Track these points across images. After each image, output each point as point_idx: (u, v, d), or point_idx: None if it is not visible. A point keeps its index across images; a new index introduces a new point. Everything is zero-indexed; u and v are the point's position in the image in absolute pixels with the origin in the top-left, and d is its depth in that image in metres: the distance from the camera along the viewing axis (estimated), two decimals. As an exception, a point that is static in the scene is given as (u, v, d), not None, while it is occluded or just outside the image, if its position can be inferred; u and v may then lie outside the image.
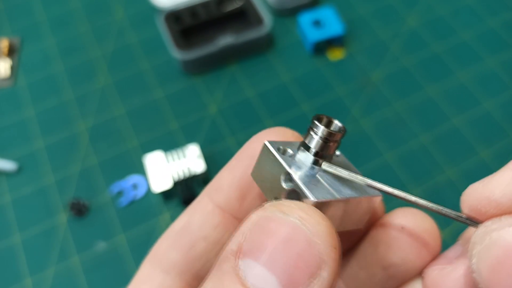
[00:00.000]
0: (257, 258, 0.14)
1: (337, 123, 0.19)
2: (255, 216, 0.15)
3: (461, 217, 0.17)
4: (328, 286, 0.14)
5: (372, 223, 0.21)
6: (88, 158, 0.49)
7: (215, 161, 0.47)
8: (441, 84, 0.52)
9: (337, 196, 0.17)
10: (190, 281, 0.21)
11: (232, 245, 0.15)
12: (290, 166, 0.17)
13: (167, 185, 0.44)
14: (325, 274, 0.14)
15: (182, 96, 0.52)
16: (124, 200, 0.46)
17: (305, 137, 0.19)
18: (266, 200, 0.18)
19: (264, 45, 0.55)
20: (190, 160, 0.45)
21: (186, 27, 0.53)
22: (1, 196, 0.47)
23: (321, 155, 0.18)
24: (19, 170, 0.48)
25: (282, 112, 0.50)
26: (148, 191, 0.46)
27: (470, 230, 0.19)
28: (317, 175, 0.18)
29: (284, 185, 0.17)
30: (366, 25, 0.56)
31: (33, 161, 0.48)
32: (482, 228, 0.15)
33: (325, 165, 0.18)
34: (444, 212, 0.17)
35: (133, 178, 0.47)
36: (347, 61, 0.54)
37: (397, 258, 0.20)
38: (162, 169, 0.44)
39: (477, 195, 0.16)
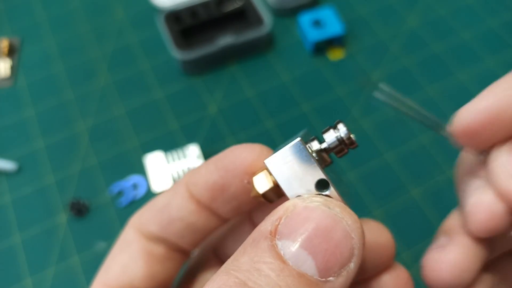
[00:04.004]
0: (295, 239, 0.16)
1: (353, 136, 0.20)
2: (291, 204, 0.17)
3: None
4: (353, 277, 0.17)
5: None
6: (88, 158, 0.49)
7: (215, 161, 0.47)
8: (441, 84, 0.52)
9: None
10: (172, 248, 0.24)
11: (267, 226, 0.17)
12: (323, 172, 0.18)
13: (167, 185, 0.44)
14: (353, 266, 0.16)
15: (182, 96, 0.52)
16: (124, 200, 0.46)
17: (323, 133, 0.20)
18: (237, 200, 0.22)
19: (264, 45, 0.55)
20: (190, 160, 0.45)
21: (186, 27, 0.53)
22: (1, 196, 0.47)
23: (329, 152, 0.19)
24: (19, 170, 0.48)
25: (282, 112, 0.51)
26: (148, 191, 0.46)
27: (448, 221, 0.23)
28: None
29: (314, 188, 0.18)
30: (366, 25, 0.56)
31: (33, 161, 0.48)
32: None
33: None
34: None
35: (133, 178, 0.47)
36: (347, 61, 0.54)
37: None
38: (162, 169, 0.44)
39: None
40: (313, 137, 0.20)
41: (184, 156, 0.45)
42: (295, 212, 0.17)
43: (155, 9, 0.57)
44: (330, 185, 0.18)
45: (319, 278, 0.16)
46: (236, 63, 0.54)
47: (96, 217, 0.45)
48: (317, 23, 0.54)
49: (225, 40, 0.52)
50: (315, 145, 0.19)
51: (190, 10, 0.54)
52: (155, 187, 0.44)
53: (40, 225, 0.45)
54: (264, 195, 0.19)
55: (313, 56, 0.54)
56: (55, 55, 0.56)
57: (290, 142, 0.19)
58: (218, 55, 0.53)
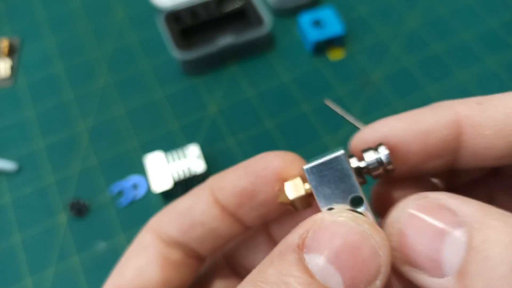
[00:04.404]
0: (323, 253, 0.16)
1: None
2: (319, 218, 0.17)
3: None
4: None
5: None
6: (88, 158, 0.49)
7: (215, 161, 0.47)
8: (441, 84, 0.52)
9: None
10: (189, 253, 0.24)
11: (295, 239, 0.17)
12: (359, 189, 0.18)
13: (167, 185, 0.44)
14: (379, 283, 0.16)
15: (182, 96, 0.52)
16: (124, 200, 0.46)
17: (363, 152, 0.20)
18: (264, 208, 0.21)
19: (264, 45, 0.55)
20: (190, 160, 0.45)
21: (186, 27, 0.53)
22: (1, 196, 0.47)
23: (364, 172, 0.20)
24: (19, 170, 0.48)
25: (282, 112, 0.50)
26: (148, 191, 0.46)
27: None
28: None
29: (349, 203, 0.18)
30: (366, 25, 0.56)
31: (33, 161, 0.48)
32: (393, 212, 0.18)
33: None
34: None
35: (133, 178, 0.47)
36: (347, 61, 0.54)
37: None
38: (162, 169, 0.44)
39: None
40: (351, 154, 0.20)
41: (184, 156, 0.45)
42: (323, 225, 0.17)
43: (155, 9, 0.57)
44: (365, 202, 0.18)
45: None
46: (236, 63, 0.54)
47: (96, 217, 0.45)
48: (317, 23, 0.54)
49: (225, 40, 0.52)
50: (353, 162, 0.19)
51: (190, 10, 0.54)
52: (155, 187, 0.44)
53: (40, 225, 0.45)
54: (293, 202, 0.20)
55: (313, 56, 0.54)
56: (55, 55, 0.56)
57: (331, 154, 0.19)
58: (218, 55, 0.53)
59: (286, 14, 0.57)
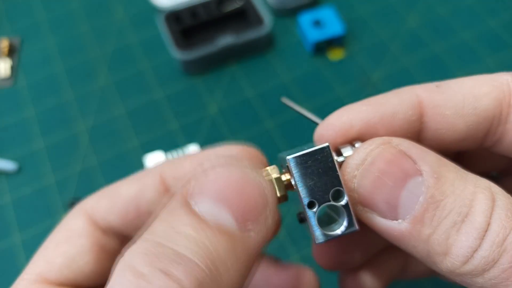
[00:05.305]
0: (208, 195, 0.16)
1: None
2: (201, 170, 0.17)
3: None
4: (271, 229, 0.17)
5: None
6: (88, 158, 0.49)
7: (215, 161, 0.47)
8: (441, 84, 0.52)
9: None
10: (124, 243, 0.21)
11: (180, 193, 0.17)
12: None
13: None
14: (269, 214, 0.17)
15: (182, 96, 0.52)
16: (124, 200, 0.46)
17: (341, 148, 0.20)
18: None
19: (264, 45, 0.55)
20: (190, 160, 0.45)
21: (186, 27, 0.53)
22: (1, 196, 0.47)
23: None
24: (19, 170, 0.48)
25: (282, 112, 0.50)
26: (148, 191, 0.46)
27: None
28: None
29: (329, 196, 0.18)
30: (366, 25, 0.56)
31: (33, 161, 0.48)
32: (356, 154, 0.19)
33: None
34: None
35: (133, 178, 0.47)
36: (347, 61, 0.54)
37: None
38: (162, 169, 0.44)
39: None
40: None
41: (184, 156, 0.45)
42: (205, 173, 0.17)
43: (155, 9, 0.57)
44: (346, 196, 0.18)
45: (238, 229, 0.16)
46: (236, 63, 0.54)
47: (96, 217, 0.45)
48: (317, 23, 0.54)
49: (225, 40, 0.52)
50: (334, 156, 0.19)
51: (190, 10, 0.54)
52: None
53: (40, 225, 0.45)
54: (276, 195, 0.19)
55: (313, 56, 0.54)
56: (55, 55, 0.56)
57: (312, 146, 0.19)
58: (218, 55, 0.53)
59: (286, 14, 0.57)
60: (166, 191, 0.21)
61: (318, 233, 0.18)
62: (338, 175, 0.18)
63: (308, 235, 0.18)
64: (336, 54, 0.54)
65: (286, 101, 0.25)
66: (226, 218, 0.16)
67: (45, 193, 0.47)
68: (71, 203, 0.45)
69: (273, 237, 0.18)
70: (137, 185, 0.22)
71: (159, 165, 0.22)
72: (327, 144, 0.18)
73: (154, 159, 0.45)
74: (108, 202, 0.21)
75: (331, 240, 0.18)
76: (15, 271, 0.44)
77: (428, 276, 0.27)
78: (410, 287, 0.41)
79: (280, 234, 0.43)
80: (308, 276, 0.24)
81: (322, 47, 0.54)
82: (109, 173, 0.47)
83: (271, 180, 0.19)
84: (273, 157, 0.22)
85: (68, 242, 0.21)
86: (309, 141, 0.22)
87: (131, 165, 0.48)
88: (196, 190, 0.17)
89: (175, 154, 0.45)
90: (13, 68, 0.55)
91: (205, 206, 0.16)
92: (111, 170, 0.48)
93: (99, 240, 0.21)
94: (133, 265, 0.15)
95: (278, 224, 0.19)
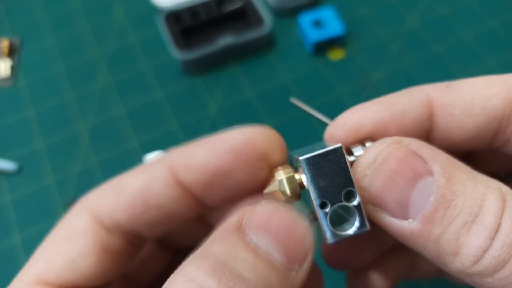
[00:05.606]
0: (262, 230, 0.17)
1: None
2: (251, 207, 0.18)
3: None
4: (309, 271, 0.18)
5: None
6: (88, 158, 0.49)
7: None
8: (441, 84, 0.52)
9: None
10: (131, 240, 0.21)
11: (235, 220, 0.17)
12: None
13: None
14: (310, 259, 0.18)
15: (182, 96, 0.52)
16: (124, 200, 0.46)
17: (352, 147, 0.20)
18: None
19: (264, 45, 0.55)
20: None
21: (186, 27, 0.53)
22: (1, 196, 0.47)
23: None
24: (19, 170, 0.48)
25: (282, 112, 0.50)
26: (148, 191, 0.46)
27: None
28: None
29: (342, 196, 0.18)
30: (366, 25, 0.56)
31: (33, 161, 0.48)
32: (367, 154, 0.19)
33: None
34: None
35: (133, 178, 0.47)
36: (347, 61, 0.54)
37: None
38: (162, 169, 0.44)
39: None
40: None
41: (184, 156, 0.45)
42: (260, 209, 0.18)
43: (155, 9, 0.57)
44: (358, 196, 0.18)
45: (286, 267, 0.17)
46: (236, 63, 0.54)
47: (96, 217, 0.45)
48: (317, 23, 0.54)
49: (225, 40, 0.52)
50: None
51: (190, 10, 0.54)
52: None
53: (40, 225, 0.45)
54: (284, 193, 0.19)
55: (313, 56, 0.54)
56: (55, 55, 0.56)
57: (322, 145, 0.19)
58: (218, 55, 0.53)
59: (286, 14, 0.57)
60: (177, 183, 0.20)
61: (330, 234, 0.18)
62: (350, 176, 0.18)
63: (317, 235, 0.18)
64: (336, 54, 0.54)
65: (295, 101, 0.25)
66: (278, 255, 0.17)
67: (45, 193, 0.47)
68: (71, 203, 0.45)
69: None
70: (144, 177, 0.21)
71: (167, 155, 0.20)
72: (339, 144, 0.18)
73: (154, 159, 0.45)
74: (113, 197, 0.20)
75: (342, 240, 0.18)
76: (15, 271, 0.44)
77: (435, 276, 0.27)
78: (410, 287, 0.41)
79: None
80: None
81: (322, 47, 0.54)
82: (109, 173, 0.47)
83: (287, 178, 0.19)
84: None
85: (69, 242, 0.20)
86: (309, 141, 0.22)
87: (131, 165, 0.47)
88: (253, 225, 0.17)
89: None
90: (13, 68, 0.55)
91: (260, 239, 0.17)
92: (111, 170, 0.48)
93: (103, 239, 0.20)
94: (198, 279, 0.15)
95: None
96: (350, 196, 0.19)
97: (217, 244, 0.17)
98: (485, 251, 0.16)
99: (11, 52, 0.56)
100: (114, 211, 0.20)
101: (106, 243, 0.20)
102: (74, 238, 0.20)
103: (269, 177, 0.20)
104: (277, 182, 0.19)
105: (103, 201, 0.20)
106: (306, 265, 0.17)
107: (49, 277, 0.20)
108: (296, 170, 0.19)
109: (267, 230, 0.17)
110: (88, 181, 0.47)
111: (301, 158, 0.18)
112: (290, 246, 0.17)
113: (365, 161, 0.19)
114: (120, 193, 0.20)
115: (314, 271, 0.23)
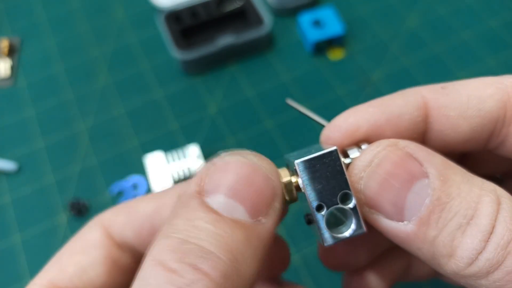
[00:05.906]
0: (221, 192, 0.17)
1: None
2: (210, 163, 0.18)
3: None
4: (279, 215, 0.18)
5: None
6: (88, 158, 0.49)
7: (215, 161, 0.47)
8: (441, 84, 0.52)
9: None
10: (139, 259, 0.22)
11: (192, 188, 0.18)
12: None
13: (167, 185, 0.44)
14: (277, 205, 0.18)
15: (182, 96, 0.52)
16: (124, 200, 0.46)
17: (347, 149, 0.21)
18: None
19: (264, 45, 0.55)
20: (190, 160, 0.45)
21: (186, 27, 0.53)
22: (1, 196, 0.47)
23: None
24: (19, 170, 0.48)
25: (282, 112, 0.50)
26: (148, 191, 0.46)
27: None
28: None
29: (338, 199, 0.18)
30: (366, 25, 0.56)
31: (33, 161, 0.48)
32: (363, 156, 0.19)
33: None
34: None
35: (133, 178, 0.47)
36: (347, 61, 0.54)
37: None
38: (162, 169, 0.44)
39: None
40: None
41: (184, 156, 0.45)
42: (214, 168, 0.18)
43: (155, 9, 0.57)
44: (354, 199, 0.18)
45: (251, 220, 0.17)
46: (236, 63, 0.54)
47: (96, 217, 0.45)
48: (317, 23, 0.54)
49: (225, 40, 0.52)
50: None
51: (190, 10, 0.54)
52: (155, 187, 0.44)
53: (40, 225, 0.45)
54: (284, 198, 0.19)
55: (313, 56, 0.54)
56: (55, 55, 0.56)
57: (318, 147, 0.19)
58: (218, 55, 0.53)
59: (286, 14, 0.57)
60: None
61: (326, 236, 0.18)
62: (346, 179, 0.18)
63: (313, 236, 0.18)
64: (336, 54, 0.54)
65: (291, 102, 0.25)
66: (239, 212, 0.17)
67: (45, 193, 0.47)
68: (71, 203, 0.45)
69: (282, 219, 0.19)
70: (155, 203, 0.22)
71: (179, 185, 0.22)
72: (335, 147, 0.19)
73: (154, 159, 0.45)
74: (125, 217, 0.22)
75: (338, 242, 0.19)
76: (15, 271, 0.44)
77: (430, 278, 0.27)
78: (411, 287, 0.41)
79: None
80: None
81: (322, 47, 0.54)
82: (109, 173, 0.47)
83: (284, 184, 0.19)
84: (273, 157, 0.22)
85: (82, 253, 0.21)
86: (310, 141, 0.22)
87: (131, 165, 0.48)
88: (210, 187, 0.17)
89: (175, 154, 0.45)
90: (13, 68, 0.55)
91: (220, 202, 0.17)
92: (111, 170, 0.48)
93: (113, 253, 0.22)
94: (162, 260, 0.16)
95: (286, 207, 0.20)
96: (346, 198, 0.19)
97: (177, 218, 0.17)
98: (480, 253, 0.16)
99: (11, 52, 0.56)
100: (124, 230, 0.22)
101: (116, 258, 0.22)
102: (87, 249, 0.22)
103: None
104: None
105: (116, 220, 0.22)
106: (273, 212, 0.18)
107: (61, 283, 0.21)
108: (292, 172, 0.19)
109: (225, 190, 0.17)
110: (88, 181, 0.47)
111: (296, 161, 0.19)
112: (251, 197, 0.17)
113: (360, 163, 0.19)
114: (132, 214, 0.22)
115: (278, 242, 0.24)
